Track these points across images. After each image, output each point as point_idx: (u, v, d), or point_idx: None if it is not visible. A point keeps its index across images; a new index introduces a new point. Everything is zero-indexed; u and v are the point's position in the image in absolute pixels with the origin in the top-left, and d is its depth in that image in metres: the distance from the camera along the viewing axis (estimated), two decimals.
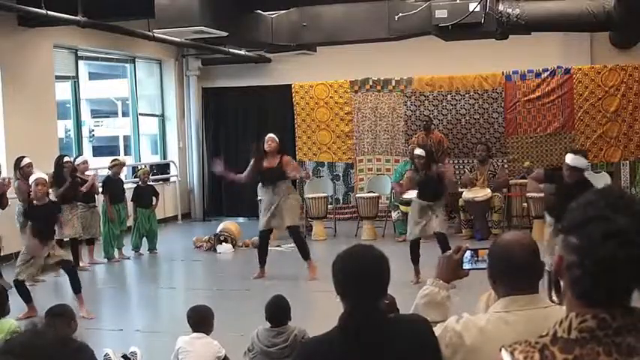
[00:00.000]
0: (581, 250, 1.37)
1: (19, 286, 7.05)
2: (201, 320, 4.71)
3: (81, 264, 9.62)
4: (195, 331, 4.69)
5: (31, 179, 7.31)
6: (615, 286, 1.37)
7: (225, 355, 4.70)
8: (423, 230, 8.01)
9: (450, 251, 2.60)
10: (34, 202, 7.18)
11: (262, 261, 8.65)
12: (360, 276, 2.31)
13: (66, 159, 9.58)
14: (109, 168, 10.61)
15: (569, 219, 1.43)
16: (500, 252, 2.35)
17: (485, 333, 2.25)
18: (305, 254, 8.48)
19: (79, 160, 9.93)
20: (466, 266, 2.55)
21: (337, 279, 2.36)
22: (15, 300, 6.17)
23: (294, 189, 8.80)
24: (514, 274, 2.29)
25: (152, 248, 10.83)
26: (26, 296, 7.08)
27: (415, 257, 8.06)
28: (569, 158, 6.62)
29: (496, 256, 2.36)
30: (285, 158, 8.47)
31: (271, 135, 8.48)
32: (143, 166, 12.61)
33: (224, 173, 8.85)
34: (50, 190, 7.80)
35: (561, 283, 1.52)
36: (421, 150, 8.16)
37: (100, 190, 10.37)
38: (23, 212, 7.78)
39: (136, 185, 11.14)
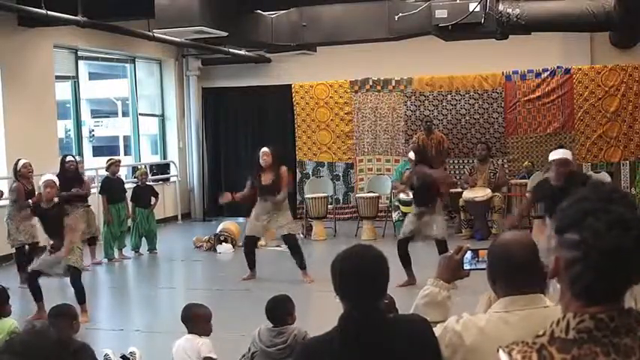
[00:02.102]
0: (584, 244, 1.37)
1: (32, 281, 7.00)
2: (187, 319, 4.54)
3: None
4: (189, 331, 4.57)
5: (42, 180, 7.27)
6: (618, 278, 1.37)
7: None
8: (416, 231, 7.96)
9: (451, 251, 2.60)
10: (42, 204, 7.16)
11: (252, 265, 8.67)
12: (360, 276, 2.31)
13: (69, 158, 9.57)
14: (106, 169, 10.60)
15: (563, 218, 1.42)
16: (500, 252, 2.35)
17: (485, 333, 2.24)
18: (301, 264, 8.46)
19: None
20: (467, 267, 2.55)
21: (337, 279, 2.35)
22: (16, 301, 6.16)
23: (287, 203, 8.82)
24: (514, 274, 2.28)
25: (152, 248, 10.82)
26: (37, 294, 6.98)
27: (405, 259, 7.89)
28: (554, 154, 6.58)
29: (495, 256, 2.36)
30: (282, 171, 8.50)
31: (265, 149, 8.53)
32: (142, 167, 12.61)
33: (230, 198, 8.87)
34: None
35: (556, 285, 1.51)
36: (412, 154, 8.30)
37: (98, 191, 10.36)
38: (32, 211, 7.67)
39: (134, 185, 11.15)
